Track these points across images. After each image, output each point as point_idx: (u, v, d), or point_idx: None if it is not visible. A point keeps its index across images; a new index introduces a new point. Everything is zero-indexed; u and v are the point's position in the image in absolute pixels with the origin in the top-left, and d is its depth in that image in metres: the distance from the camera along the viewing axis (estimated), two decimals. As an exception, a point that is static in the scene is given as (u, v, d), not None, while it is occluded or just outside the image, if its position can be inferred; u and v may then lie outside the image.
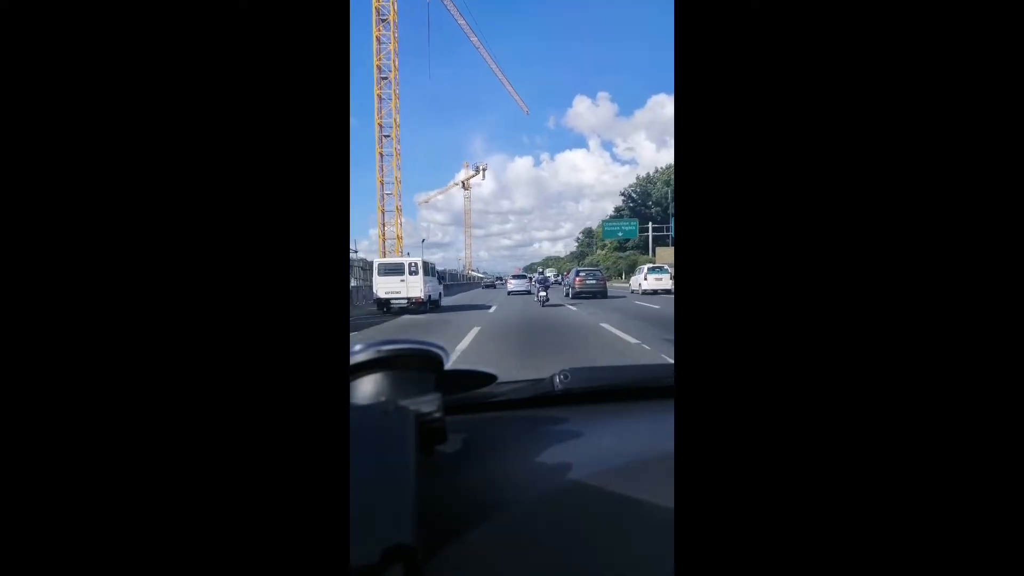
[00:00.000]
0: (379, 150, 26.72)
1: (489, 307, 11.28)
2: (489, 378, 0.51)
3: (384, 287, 10.41)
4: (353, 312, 10.52)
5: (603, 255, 51.39)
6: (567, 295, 15.06)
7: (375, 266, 10.98)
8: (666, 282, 16.15)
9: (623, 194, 54.80)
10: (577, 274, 15.21)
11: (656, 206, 48.58)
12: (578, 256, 68.02)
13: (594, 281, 14.64)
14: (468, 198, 64.40)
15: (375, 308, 10.64)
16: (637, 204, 51.42)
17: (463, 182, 62.33)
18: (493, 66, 45.59)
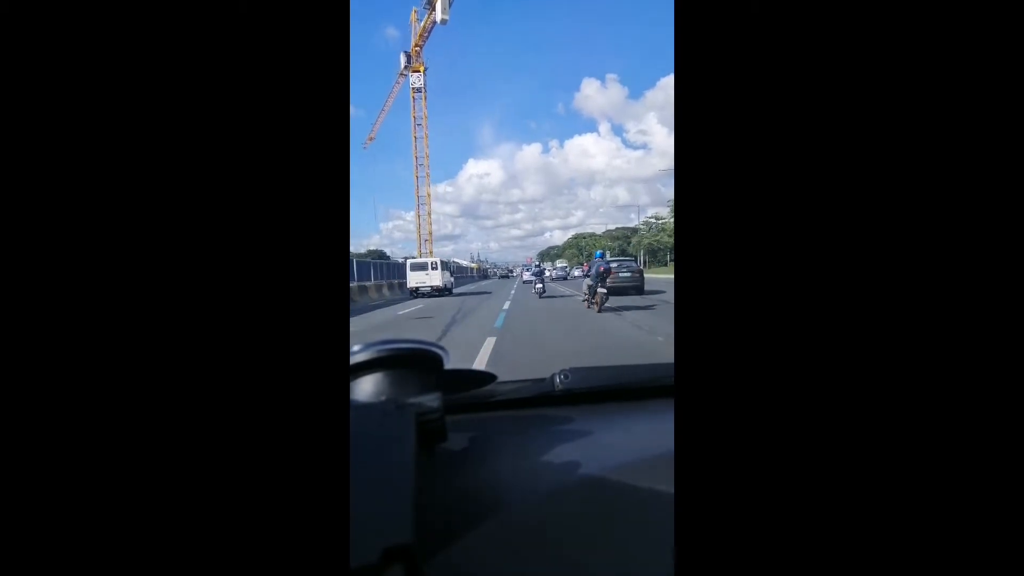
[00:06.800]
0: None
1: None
2: (489, 378, 0.51)
3: (414, 279, 15.63)
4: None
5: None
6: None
7: (407, 264, 16.40)
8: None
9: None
10: (607, 266, 12.55)
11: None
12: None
13: (628, 275, 11.12)
14: (423, 97, 36.81)
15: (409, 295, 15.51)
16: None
17: (404, 70, 37.42)
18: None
